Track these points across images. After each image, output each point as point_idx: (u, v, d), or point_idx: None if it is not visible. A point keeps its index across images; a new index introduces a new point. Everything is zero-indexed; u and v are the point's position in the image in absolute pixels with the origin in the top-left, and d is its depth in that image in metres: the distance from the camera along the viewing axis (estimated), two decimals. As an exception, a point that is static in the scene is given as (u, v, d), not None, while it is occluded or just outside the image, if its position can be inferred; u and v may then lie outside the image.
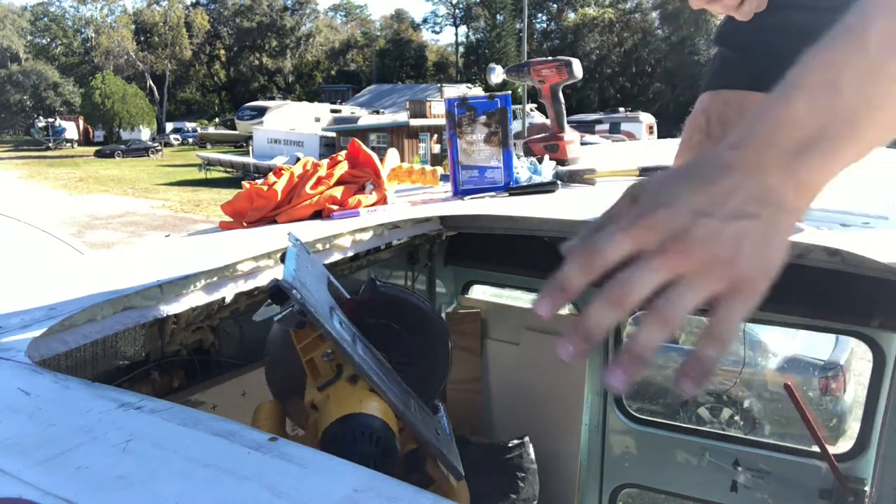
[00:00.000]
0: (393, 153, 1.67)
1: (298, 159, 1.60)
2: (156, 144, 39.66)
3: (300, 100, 44.77)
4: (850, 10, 0.56)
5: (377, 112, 31.87)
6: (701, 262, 0.53)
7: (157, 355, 1.07)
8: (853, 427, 1.49)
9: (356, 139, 1.59)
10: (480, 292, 1.84)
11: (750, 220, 0.54)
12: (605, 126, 22.68)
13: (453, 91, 28.83)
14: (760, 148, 0.55)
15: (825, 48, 0.56)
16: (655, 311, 0.55)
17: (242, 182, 1.61)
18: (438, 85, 38.73)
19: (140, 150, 37.72)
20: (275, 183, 1.39)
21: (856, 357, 4.50)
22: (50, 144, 43.43)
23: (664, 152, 1.25)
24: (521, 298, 1.81)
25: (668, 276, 0.54)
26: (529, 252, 1.57)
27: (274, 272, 1.00)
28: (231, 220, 1.41)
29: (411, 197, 1.61)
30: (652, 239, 0.53)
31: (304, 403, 0.73)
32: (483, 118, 1.55)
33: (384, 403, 0.68)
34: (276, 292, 0.68)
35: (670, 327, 0.55)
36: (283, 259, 0.71)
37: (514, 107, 1.63)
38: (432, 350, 0.86)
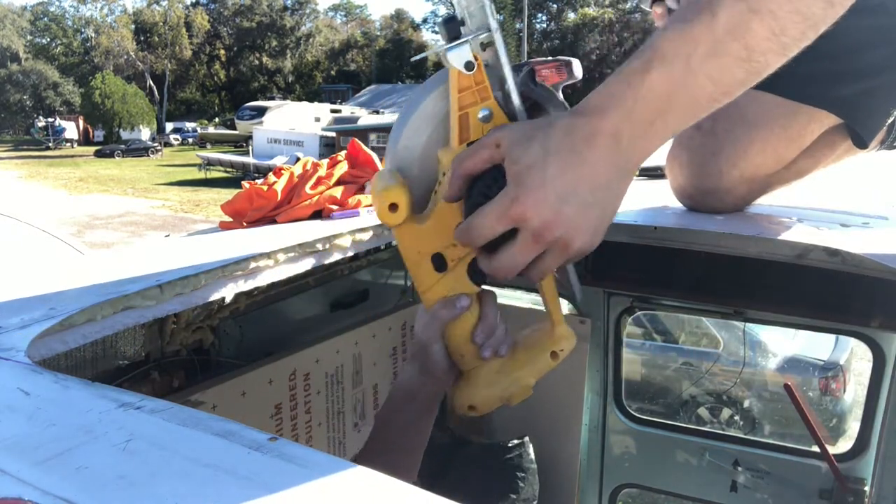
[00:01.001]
0: (393, 153, 1.67)
1: (298, 159, 1.60)
2: (155, 144, 39.65)
3: (300, 100, 44.75)
4: None
5: (377, 112, 31.88)
6: (564, 240, 0.61)
7: (157, 355, 1.07)
8: (853, 427, 1.50)
9: (356, 139, 1.59)
10: (480, 292, 1.83)
11: (605, 191, 0.61)
12: (605, 126, 22.60)
13: (453, 91, 28.70)
14: (623, 117, 0.60)
15: (684, 22, 0.59)
16: (525, 273, 0.65)
17: (242, 182, 1.61)
18: (438, 85, 38.63)
19: (140, 150, 37.72)
20: (275, 183, 1.39)
21: (856, 357, 4.51)
22: (50, 144, 43.44)
23: (663, 152, 1.25)
24: (521, 298, 1.81)
25: (540, 252, 0.63)
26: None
27: (274, 272, 1.00)
28: (231, 220, 1.41)
29: (411, 197, 1.61)
30: (524, 224, 0.61)
31: (438, 164, 0.68)
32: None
33: None
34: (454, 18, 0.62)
35: (535, 281, 0.68)
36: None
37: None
38: None
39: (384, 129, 23.04)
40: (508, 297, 1.83)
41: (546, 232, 0.60)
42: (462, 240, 0.64)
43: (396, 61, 63.60)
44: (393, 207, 0.65)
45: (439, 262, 0.69)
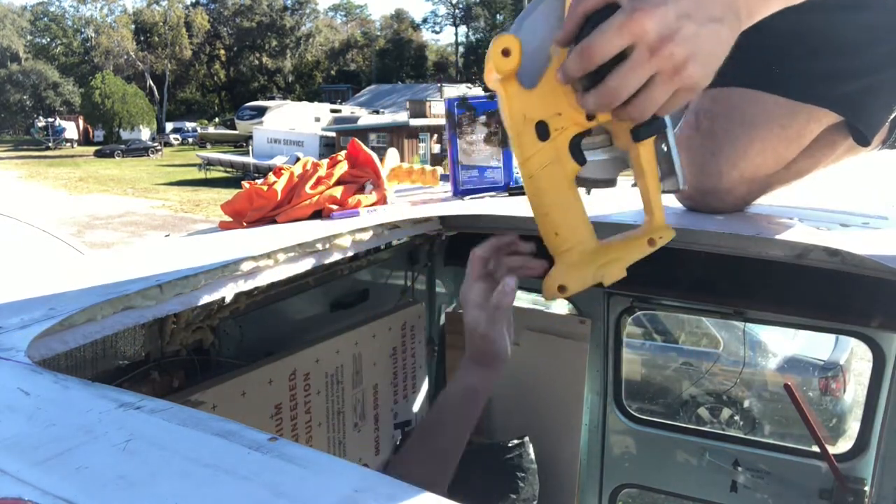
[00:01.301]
0: (393, 153, 1.67)
1: (298, 159, 1.60)
2: (155, 144, 39.67)
3: (300, 100, 44.81)
4: None
5: (377, 112, 31.87)
6: (677, 60, 0.62)
7: (157, 355, 1.07)
8: (853, 427, 1.50)
9: (356, 139, 1.59)
10: (480, 292, 1.83)
11: (719, 24, 0.63)
12: (605, 126, 22.63)
13: (453, 91, 28.82)
14: None
15: None
16: (630, 106, 0.64)
17: (242, 182, 1.60)
18: (438, 85, 38.70)
19: (140, 150, 37.73)
20: (275, 183, 1.39)
21: (856, 357, 4.51)
22: (50, 144, 43.46)
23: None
24: (521, 298, 1.81)
25: (651, 73, 0.63)
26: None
27: (274, 272, 1.00)
28: (231, 220, 1.41)
29: (411, 197, 1.61)
30: (642, 37, 0.61)
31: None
32: (483, 118, 1.55)
33: None
34: None
35: (637, 118, 0.67)
36: None
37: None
38: None
39: (384, 129, 23.04)
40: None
41: (662, 46, 0.61)
42: (575, 66, 0.64)
43: (396, 61, 63.62)
44: (506, 53, 0.67)
45: (542, 131, 0.71)
